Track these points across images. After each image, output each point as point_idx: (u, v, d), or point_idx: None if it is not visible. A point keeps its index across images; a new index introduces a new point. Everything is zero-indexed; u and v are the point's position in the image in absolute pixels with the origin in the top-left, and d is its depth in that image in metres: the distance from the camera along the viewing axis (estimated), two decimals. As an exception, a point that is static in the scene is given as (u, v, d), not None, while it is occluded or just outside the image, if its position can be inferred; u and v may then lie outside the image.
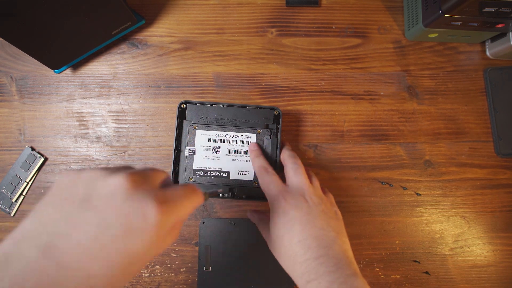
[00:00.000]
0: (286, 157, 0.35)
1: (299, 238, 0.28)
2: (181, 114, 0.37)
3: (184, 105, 0.37)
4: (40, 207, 0.18)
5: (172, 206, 0.19)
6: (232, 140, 0.37)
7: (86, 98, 0.42)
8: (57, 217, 0.17)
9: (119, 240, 0.17)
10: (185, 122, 0.37)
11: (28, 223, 0.17)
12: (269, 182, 0.33)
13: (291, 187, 0.32)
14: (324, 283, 0.25)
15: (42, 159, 0.41)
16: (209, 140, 0.37)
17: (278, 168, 0.37)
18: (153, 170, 0.21)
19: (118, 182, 0.18)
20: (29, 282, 0.15)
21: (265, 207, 0.40)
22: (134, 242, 0.17)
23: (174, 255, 0.40)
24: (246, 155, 0.37)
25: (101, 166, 0.20)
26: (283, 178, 0.34)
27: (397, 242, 0.42)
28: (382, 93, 0.44)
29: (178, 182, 0.38)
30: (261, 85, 0.43)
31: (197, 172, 0.37)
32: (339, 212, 0.33)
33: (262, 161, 0.35)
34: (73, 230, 0.16)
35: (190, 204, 0.21)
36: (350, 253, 0.29)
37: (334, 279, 0.25)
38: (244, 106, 0.38)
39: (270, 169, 0.34)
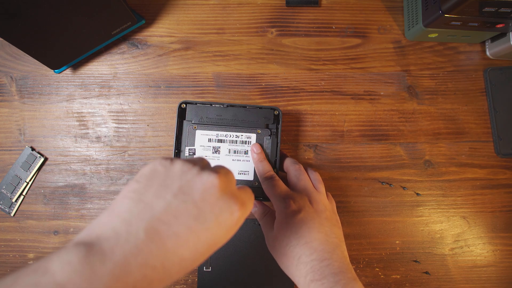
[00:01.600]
0: (289, 164, 0.36)
1: (306, 240, 0.29)
2: (181, 114, 0.37)
3: (184, 105, 0.37)
4: (139, 189, 0.19)
5: (247, 207, 0.22)
6: (232, 140, 0.37)
7: (86, 98, 0.42)
8: (159, 204, 0.18)
9: (210, 231, 0.19)
10: (185, 122, 0.37)
11: (132, 204, 0.18)
12: (275, 186, 0.33)
13: (297, 192, 0.33)
14: (328, 283, 0.27)
15: (42, 159, 0.41)
16: (209, 140, 0.37)
17: (278, 169, 0.37)
18: (229, 170, 0.23)
19: (212, 181, 0.20)
20: (136, 261, 0.16)
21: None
22: (220, 234, 0.20)
23: (174, 255, 0.40)
24: (246, 155, 0.37)
25: (184, 158, 0.23)
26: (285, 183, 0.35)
27: (397, 242, 0.42)
28: (382, 93, 0.44)
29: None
30: (261, 85, 0.43)
31: (197, 172, 0.37)
32: (339, 221, 0.34)
33: (266, 166, 0.36)
34: (174, 219, 0.18)
35: (252, 206, 0.24)
36: (349, 260, 0.30)
37: (338, 280, 0.27)
38: (244, 106, 0.38)
39: (274, 174, 0.35)
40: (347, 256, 0.31)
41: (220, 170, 0.21)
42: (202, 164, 0.22)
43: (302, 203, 0.32)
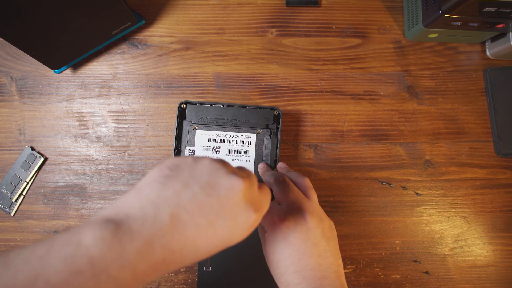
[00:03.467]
0: (268, 178, 0.32)
1: (295, 268, 0.27)
2: (181, 114, 0.37)
3: (184, 105, 0.37)
4: (170, 175, 0.20)
5: (262, 211, 0.23)
6: (232, 140, 0.37)
7: (86, 98, 0.42)
8: (186, 194, 0.19)
9: (227, 229, 0.20)
10: (185, 122, 0.37)
11: (162, 188, 0.19)
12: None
13: (286, 207, 0.29)
14: None
15: (42, 159, 0.41)
16: (209, 140, 0.37)
17: (276, 169, 0.37)
18: (251, 174, 0.24)
19: (238, 184, 0.21)
20: (160, 242, 0.17)
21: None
22: (235, 233, 0.21)
23: (174, 255, 0.40)
24: (246, 155, 0.37)
25: (212, 157, 0.23)
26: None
27: (397, 242, 0.42)
28: (382, 93, 0.44)
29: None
30: (261, 85, 0.43)
31: (197, 172, 0.37)
32: (333, 226, 0.30)
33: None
34: (197, 211, 0.19)
35: (268, 207, 0.24)
36: (343, 277, 0.28)
37: None
38: (244, 106, 0.38)
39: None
40: (342, 272, 0.28)
41: (244, 175, 0.22)
42: (230, 167, 0.23)
43: (294, 221, 0.28)
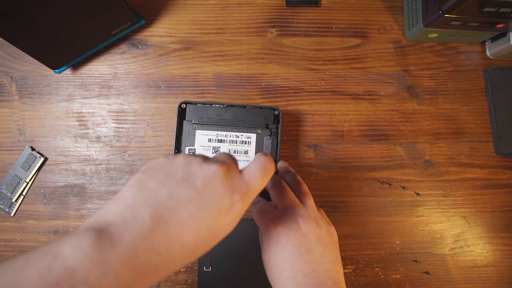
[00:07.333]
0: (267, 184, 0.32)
1: (289, 274, 0.26)
2: (181, 114, 0.37)
3: (184, 105, 0.37)
4: (144, 178, 0.20)
5: (251, 195, 0.22)
6: (232, 140, 0.37)
7: (86, 98, 0.42)
8: (163, 191, 0.19)
9: (211, 218, 0.19)
10: (185, 122, 0.37)
11: (137, 191, 0.19)
12: (258, 210, 0.30)
13: (282, 211, 0.29)
14: None
15: (42, 159, 0.41)
16: (209, 140, 0.37)
17: (277, 172, 0.37)
18: (230, 157, 0.23)
19: (213, 170, 0.20)
20: (143, 245, 0.17)
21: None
22: (221, 221, 0.20)
23: (174, 255, 0.40)
24: (246, 155, 0.37)
25: (188, 154, 0.23)
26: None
27: (397, 242, 0.42)
28: (382, 93, 0.44)
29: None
30: (261, 85, 0.43)
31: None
32: (334, 232, 0.30)
33: None
34: (177, 206, 0.19)
35: (264, 185, 0.23)
36: (342, 284, 0.28)
37: None
38: (244, 106, 0.38)
39: (259, 197, 0.32)
40: (341, 278, 0.28)
41: (221, 159, 0.22)
42: (203, 157, 0.23)
43: (287, 226, 0.28)
